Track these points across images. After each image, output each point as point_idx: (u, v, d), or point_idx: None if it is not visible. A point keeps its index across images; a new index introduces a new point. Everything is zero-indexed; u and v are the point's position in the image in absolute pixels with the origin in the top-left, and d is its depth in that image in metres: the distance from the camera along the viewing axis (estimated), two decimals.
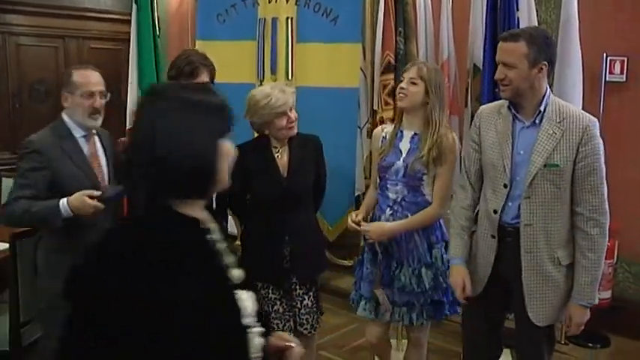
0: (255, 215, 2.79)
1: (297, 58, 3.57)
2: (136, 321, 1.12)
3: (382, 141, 2.76)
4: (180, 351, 1.15)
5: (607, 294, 3.71)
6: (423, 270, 2.63)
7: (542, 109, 2.19)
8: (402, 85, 2.62)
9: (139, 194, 1.25)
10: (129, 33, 4.06)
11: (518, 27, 3.18)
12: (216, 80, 2.76)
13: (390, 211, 2.66)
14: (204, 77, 2.65)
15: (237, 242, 4.15)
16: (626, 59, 3.68)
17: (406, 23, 3.61)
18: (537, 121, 2.20)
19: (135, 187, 1.26)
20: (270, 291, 2.79)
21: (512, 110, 2.26)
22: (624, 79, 3.70)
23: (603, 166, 2.18)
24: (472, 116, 3.46)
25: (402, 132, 2.68)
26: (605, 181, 2.18)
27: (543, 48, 2.15)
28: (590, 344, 3.74)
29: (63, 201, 2.35)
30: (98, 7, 6.44)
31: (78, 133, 2.53)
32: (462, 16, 3.85)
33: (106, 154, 2.64)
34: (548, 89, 2.24)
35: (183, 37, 4.73)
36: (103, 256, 1.19)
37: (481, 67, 3.35)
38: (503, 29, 3.19)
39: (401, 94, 2.61)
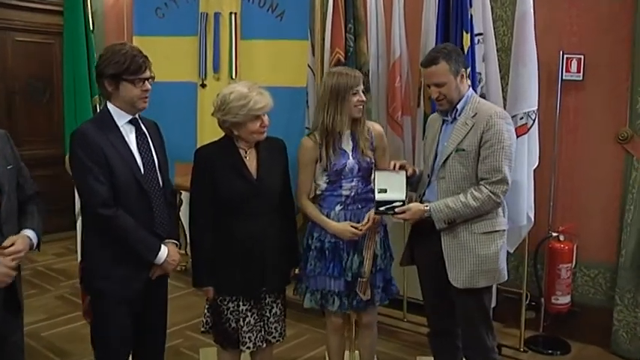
0: (223, 223, 2.61)
1: (241, 55, 3.36)
2: None
3: (320, 148, 2.82)
4: None
5: (566, 299, 3.66)
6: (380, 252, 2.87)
7: (459, 107, 2.60)
8: (361, 98, 2.79)
9: None
10: (62, 26, 3.79)
11: (471, 24, 3.16)
12: (156, 79, 2.55)
13: (340, 207, 2.83)
14: (148, 72, 2.45)
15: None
16: (582, 57, 3.65)
17: (356, 19, 3.45)
18: (457, 116, 2.62)
19: None
20: (240, 303, 2.69)
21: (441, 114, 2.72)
22: (581, 78, 3.67)
23: (508, 149, 2.50)
24: (425, 115, 3.34)
25: (339, 134, 2.80)
26: (508, 163, 2.49)
27: (458, 58, 2.58)
28: (550, 351, 3.69)
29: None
30: None
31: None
32: (414, 12, 3.74)
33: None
34: (470, 89, 2.65)
35: (120, 33, 4.47)
36: None
37: None
38: (456, 26, 3.14)
39: (361, 107, 2.80)
